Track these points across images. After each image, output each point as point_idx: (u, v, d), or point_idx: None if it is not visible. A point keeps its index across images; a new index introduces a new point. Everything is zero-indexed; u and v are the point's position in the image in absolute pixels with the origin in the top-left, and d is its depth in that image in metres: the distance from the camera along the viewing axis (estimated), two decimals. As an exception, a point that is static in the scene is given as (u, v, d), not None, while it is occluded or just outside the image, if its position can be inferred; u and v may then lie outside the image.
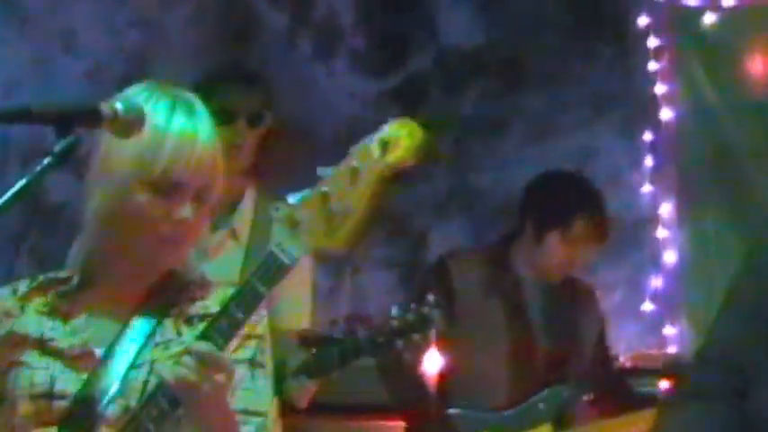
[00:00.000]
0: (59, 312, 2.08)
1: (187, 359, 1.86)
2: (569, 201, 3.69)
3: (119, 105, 1.79)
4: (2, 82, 4.37)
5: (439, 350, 3.88)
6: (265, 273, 1.89)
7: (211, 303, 2.07)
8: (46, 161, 1.69)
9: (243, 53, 5.27)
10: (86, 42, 4.66)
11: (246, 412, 2.03)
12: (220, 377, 1.88)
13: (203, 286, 2.12)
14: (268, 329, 2.15)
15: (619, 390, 4.05)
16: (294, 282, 2.95)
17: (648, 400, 3.65)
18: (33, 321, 2.07)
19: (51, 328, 2.06)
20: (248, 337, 2.07)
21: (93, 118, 1.77)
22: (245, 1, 5.37)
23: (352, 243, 1.86)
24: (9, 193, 1.64)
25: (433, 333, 2.98)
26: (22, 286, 2.13)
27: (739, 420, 1.75)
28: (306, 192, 1.86)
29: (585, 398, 3.77)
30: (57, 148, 1.70)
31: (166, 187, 1.99)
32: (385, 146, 1.82)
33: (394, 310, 2.93)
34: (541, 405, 3.63)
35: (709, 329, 1.92)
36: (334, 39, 5.61)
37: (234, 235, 3.19)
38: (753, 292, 1.82)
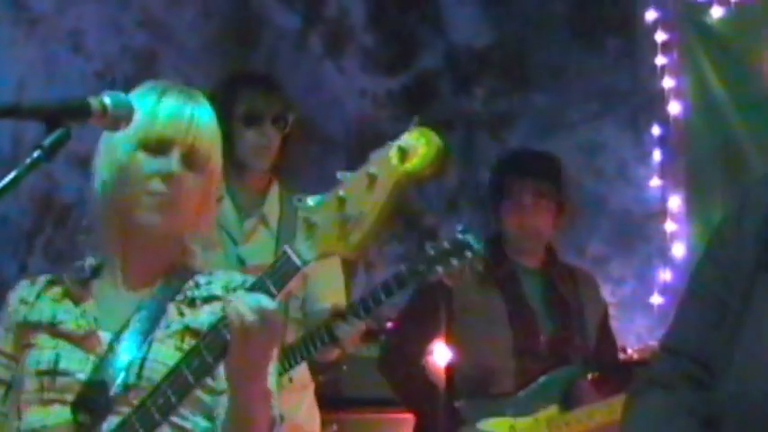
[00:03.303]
0: (72, 297, 2.17)
1: (250, 302, 1.89)
2: (502, 172, 3.81)
3: (107, 100, 1.85)
4: (12, 83, 4.43)
5: (446, 343, 3.92)
6: (276, 273, 1.92)
7: (216, 287, 2.14)
8: (35, 154, 1.74)
9: (251, 52, 5.32)
10: (94, 43, 4.72)
11: None
12: (272, 333, 1.91)
13: (210, 274, 2.19)
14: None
15: (622, 369, 4.09)
16: (325, 262, 3.10)
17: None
18: (47, 308, 2.17)
19: (64, 312, 2.15)
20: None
21: (82, 112, 1.82)
22: (254, 0, 5.42)
23: (364, 248, 1.86)
24: (-1, 185, 1.70)
25: (469, 256, 2.96)
26: (42, 278, 2.23)
27: (698, 408, 1.73)
28: (324, 195, 1.88)
29: (590, 377, 3.79)
30: (46, 142, 1.75)
31: (158, 147, 2.09)
32: (403, 154, 1.82)
33: (428, 244, 2.96)
34: (547, 387, 3.66)
35: (672, 319, 1.86)
36: (345, 37, 5.65)
37: (265, 222, 3.40)
38: (712, 281, 1.78)
